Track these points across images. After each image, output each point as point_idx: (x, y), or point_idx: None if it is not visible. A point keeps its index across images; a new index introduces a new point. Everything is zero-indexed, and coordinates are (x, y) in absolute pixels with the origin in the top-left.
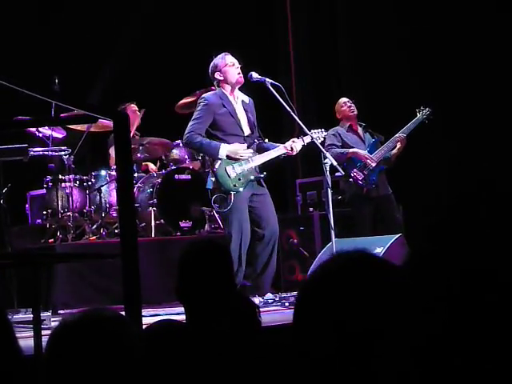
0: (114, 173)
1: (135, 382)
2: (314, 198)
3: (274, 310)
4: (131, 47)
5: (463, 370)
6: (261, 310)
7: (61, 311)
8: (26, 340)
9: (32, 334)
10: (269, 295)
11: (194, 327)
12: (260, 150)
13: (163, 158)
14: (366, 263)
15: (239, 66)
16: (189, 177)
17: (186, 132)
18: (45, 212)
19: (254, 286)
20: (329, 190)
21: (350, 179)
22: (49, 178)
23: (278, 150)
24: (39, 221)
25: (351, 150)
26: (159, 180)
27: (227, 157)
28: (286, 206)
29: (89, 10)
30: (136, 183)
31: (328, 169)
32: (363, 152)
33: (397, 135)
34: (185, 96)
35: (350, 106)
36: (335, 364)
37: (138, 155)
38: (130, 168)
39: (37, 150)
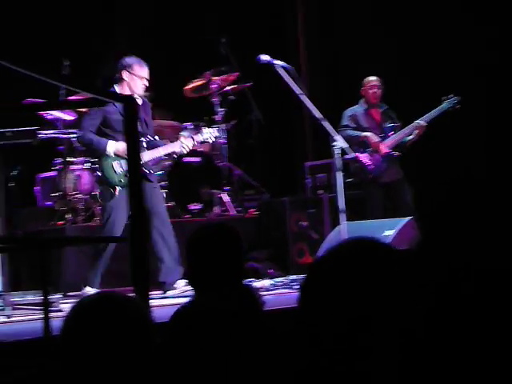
0: None
1: (148, 362)
2: (324, 181)
3: (283, 293)
4: (139, 29)
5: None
6: (269, 292)
7: (71, 293)
8: (35, 322)
9: (41, 316)
10: (180, 283)
11: (201, 308)
12: (150, 147)
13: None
14: (373, 250)
15: (147, 82)
16: (198, 159)
17: (80, 129)
18: (54, 194)
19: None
20: (338, 172)
21: (357, 163)
22: (58, 160)
23: (167, 148)
24: (49, 203)
25: (363, 134)
26: (169, 162)
27: (114, 154)
28: (295, 189)
29: None
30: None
31: (338, 151)
32: (376, 138)
33: (415, 122)
34: (194, 78)
35: (374, 93)
36: (336, 345)
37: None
38: (138, 150)
39: (46, 133)
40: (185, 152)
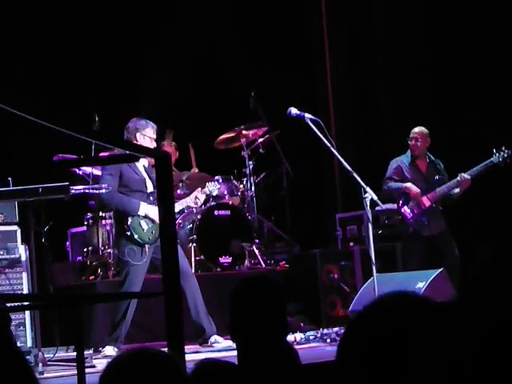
0: None
1: None
2: (354, 233)
3: (315, 347)
4: (170, 83)
5: None
6: (302, 346)
7: (102, 349)
8: (68, 378)
9: (74, 372)
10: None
11: (246, 366)
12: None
13: None
14: (414, 305)
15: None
16: (228, 213)
17: (106, 188)
18: (85, 249)
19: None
20: (369, 224)
21: (399, 216)
22: (89, 215)
23: (181, 204)
24: (80, 258)
25: (405, 185)
26: (199, 216)
27: (145, 215)
28: (326, 241)
29: (126, 43)
30: (176, 219)
31: (368, 203)
32: (416, 189)
33: (460, 176)
34: (224, 132)
35: (414, 145)
36: None
37: (179, 191)
38: (172, 205)
39: (78, 189)
40: (198, 205)
